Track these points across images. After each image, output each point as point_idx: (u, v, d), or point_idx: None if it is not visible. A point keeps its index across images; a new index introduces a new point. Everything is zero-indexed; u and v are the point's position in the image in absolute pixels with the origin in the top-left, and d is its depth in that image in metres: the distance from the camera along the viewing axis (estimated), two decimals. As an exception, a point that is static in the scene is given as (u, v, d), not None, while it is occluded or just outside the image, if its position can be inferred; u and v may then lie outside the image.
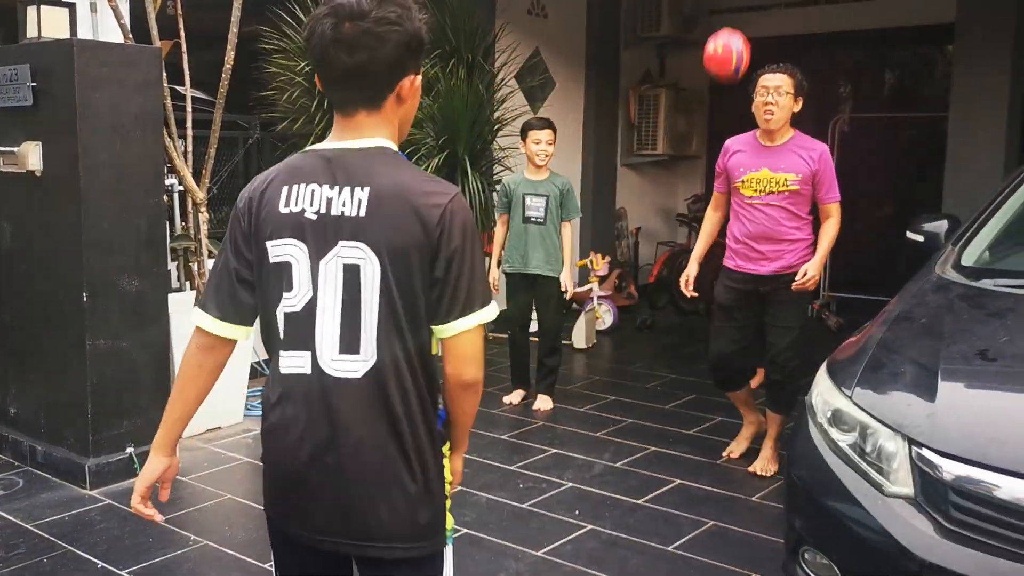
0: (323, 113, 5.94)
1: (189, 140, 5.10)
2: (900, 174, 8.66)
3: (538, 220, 5.31)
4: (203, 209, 5.09)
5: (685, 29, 8.86)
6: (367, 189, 1.72)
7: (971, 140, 6.52)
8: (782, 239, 4.28)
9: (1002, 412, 2.40)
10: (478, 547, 3.62)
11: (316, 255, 1.74)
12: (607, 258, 7.77)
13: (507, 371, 5.78)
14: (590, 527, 3.82)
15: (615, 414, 5.39)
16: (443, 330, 1.75)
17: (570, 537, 3.72)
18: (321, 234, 1.73)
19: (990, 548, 2.16)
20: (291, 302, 1.75)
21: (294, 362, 1.77)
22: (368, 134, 1.77)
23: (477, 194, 6.07)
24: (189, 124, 5.10)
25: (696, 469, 4.51)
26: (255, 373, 5.48)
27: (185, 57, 5.06)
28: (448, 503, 1.87)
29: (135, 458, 4.30)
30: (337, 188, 1.73)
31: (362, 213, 1.71)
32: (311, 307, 1.74)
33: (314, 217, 1.74)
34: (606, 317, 7.62)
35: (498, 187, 5.47)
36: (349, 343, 1.73)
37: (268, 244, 1.77)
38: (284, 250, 1.76)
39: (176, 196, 5.11)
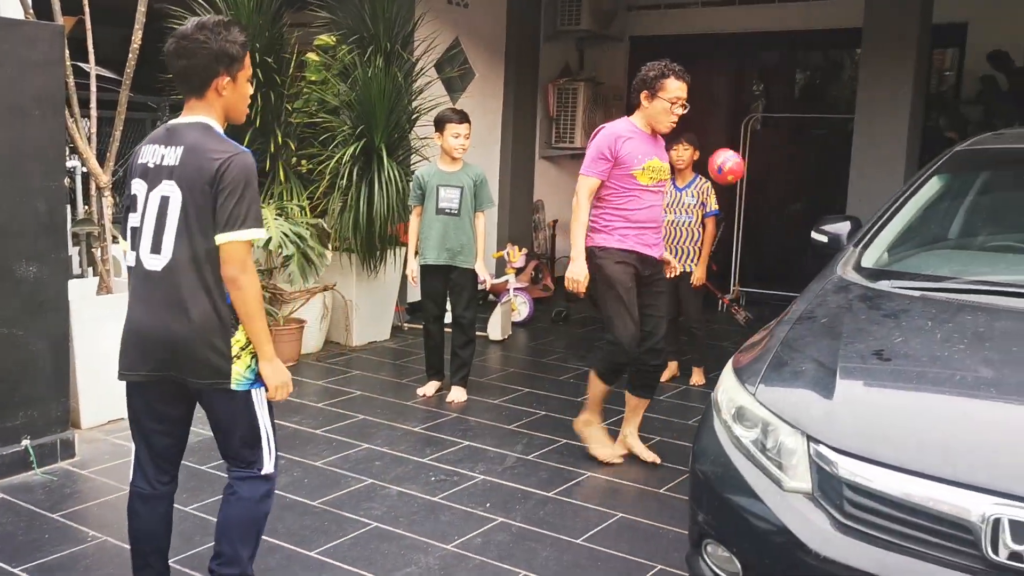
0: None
1: (93, 121, 4.93)
2: (808, 173, 8.91)
3: (452, 212, 5.31)
4: (107, 193, 4.92)
5: (604, 24, 8.93)
6: (181, 147, 2.64)
7: (875, 144, 6.74)
8: (660, 225, 4.60)
9: (894, 410, 2.49)
10: (388, 541, 3.61)
11: (149, 189, 2.67)
12: (524, 250, 7.80)
13: (422, 362, 5.76)
14: (500, 520, 3.84)
15: (528, 406, 5.42)
16: (218, 239, 2.59)
17: (480, 530, 3.73)
18: (154, 176, 2.66)
19: (882, 543, 2.24)
20: (134, 220, 2.72)
21: (131, 258, 2.74)
22: (195, 114, 2.71)
23: (393, 183, 6.01)
24: (93, 104, 4.93)
25: (608, 462, 4.57)
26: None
27: (90, 34, 4.89)
28: (245, 360, 2.67)
29: (31, 450, 4.15)
30: (168, 147, 2.66)
31: (176, 162, 2.63)
32: (141, 222, 2.68)
33: (152, 166, 2.68)
34: (522, 309, 7.65)
35: (412, 178, 5.43)
36: (155, 246, 2.66)
37: (131, 182, 2.75)
38: (134, 187, 2.72)
39: (79, 179, 4.94)
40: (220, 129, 2.71)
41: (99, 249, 5.01)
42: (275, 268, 6.20)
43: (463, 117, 5.34)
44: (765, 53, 9.56)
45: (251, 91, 2.83)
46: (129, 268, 2.75)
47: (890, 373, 2.62)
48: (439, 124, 5.34)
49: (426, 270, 5.41)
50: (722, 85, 9.71)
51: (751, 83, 9.42)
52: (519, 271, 7.71)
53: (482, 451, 4.65)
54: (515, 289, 7.54)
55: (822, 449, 2.40)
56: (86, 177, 4.98)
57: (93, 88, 4.90)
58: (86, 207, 5.00)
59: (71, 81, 4.65)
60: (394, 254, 6.59)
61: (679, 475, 4.37)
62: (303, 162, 6.35)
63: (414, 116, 6.39)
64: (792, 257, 8.67)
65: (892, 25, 6.61)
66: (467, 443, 4.76)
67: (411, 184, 5.43)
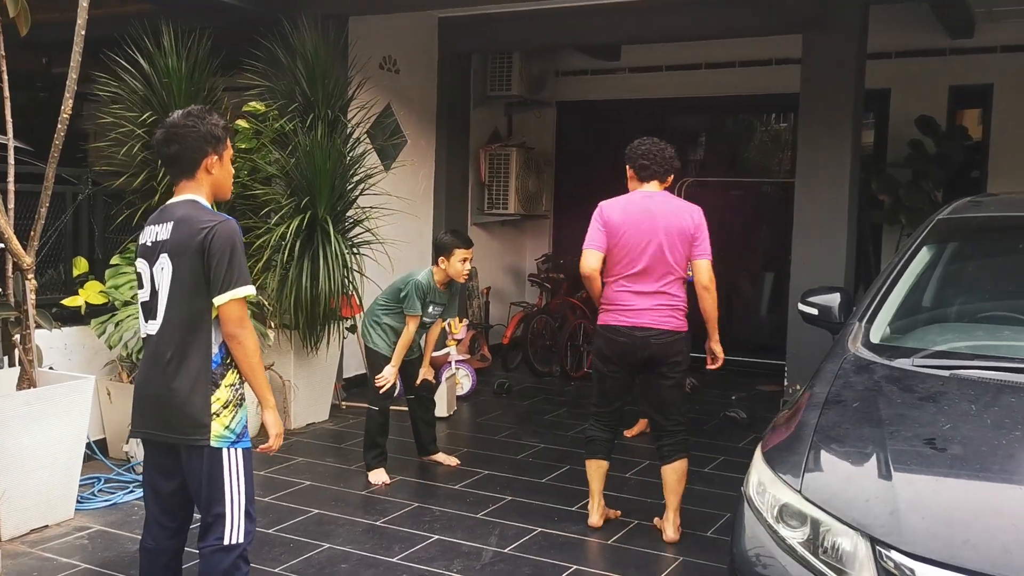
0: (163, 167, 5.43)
1: (11, 196, 4.49)
2: (742, 237, 8.95)
3: (427, 324, 5.42)
4: (30, 276, 4.46)
5: (534, 89, 8.86)
6: (171, 222, 2.90)
7: (816, 208, 6.76)
8: None
9: (968, 509, 2.32)
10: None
11: (150, 266, 2.95)
12: (464, 320, 7.54)
13: (360, 446, 5.38)
14: (491, 627, 3.52)
15: (492, 491, 5.11)
16: (216, 302, 2.85)
17: (472, 641, 3.40)
18: (152, 253, 2.94)
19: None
20: (142, 296, 3.01)
21: (143, 329, 3.02)
22: (185, 193, 2.97)
23: (339, 257, 5.68)
24: (11, 178, 4.50)
25: (590, 551, 4.31)
26: (88, 458, 4.86)
27: (8, 103, 4.48)
28: (224, 419, 2.90)
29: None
30: (161, 225, 2.93)
31: (168, 236, 2.89)
32: (150, 296, 2.96)
33: (149, 244, 2.96)
34: (465, 382, 7.37)
35: (408, 285, 5.19)
36: (153, 312, 2.94)
37: (136, 263, 3.04)
38: (139, 266, 3.02)
39: (-4, 260, 4.48)
40: (207, 203, 2.97)
41: (19, 335, 4.53)
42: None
43: (469, 242, 5.27)
44: (693, 118, 9.66)
45: (232, 171, 3.12)
46: (143, 338, 3.05)
47: (950, 465, 2.46)
48: (446, 248, 5.19)
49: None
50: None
51: (681, 148, 9.46)
52: (459, 342, 7.44)
53: (455, 546, 4.31)
54: (457, 361, 7.25)
55: (896, 556, 2.21)
56: (1, 255, 4.52)
57: (11, 160, 4.48)
58: (1, 289, 4.53)
59: (-10, 154, 4.23)
60: (337, 329, 6.24)
61: (672, 562, 4.13)
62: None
63: (359, 186, 6.10)
64: (730, 319, 8.68)
65: (828, 91, 6.69)
66: (437, 537, 4.42)
67: (410, 292, 5.17)
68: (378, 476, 5.24)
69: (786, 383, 7.02)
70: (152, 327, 2.94)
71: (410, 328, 5.23)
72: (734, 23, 7.09)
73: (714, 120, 9.56)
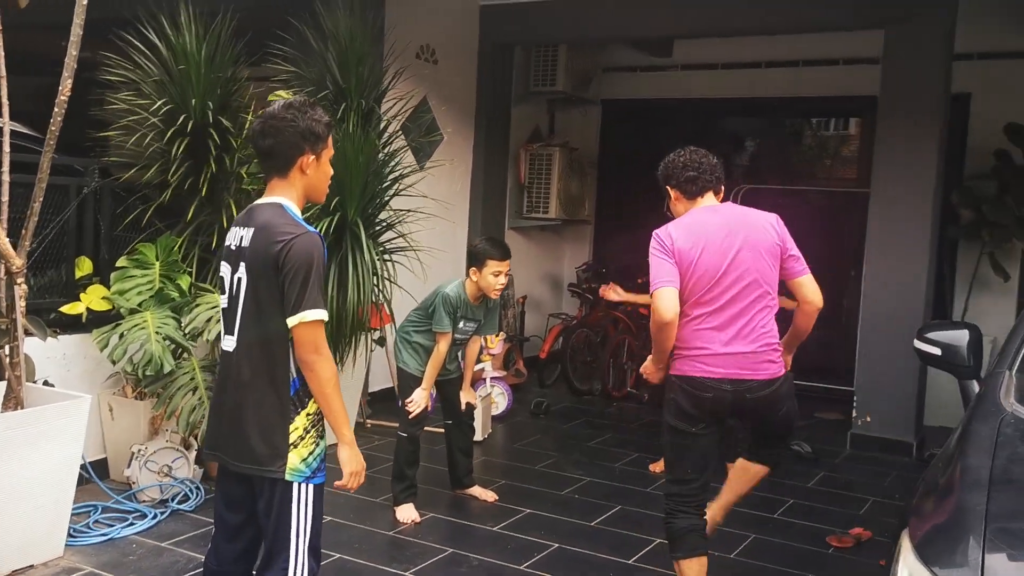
0: (180, 161, 4.87)
1: (5, 188, 3.95)
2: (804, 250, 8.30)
3: (460, 342, 4.84)
4: (20, 281, 3.92)
5: (580, 86, 8.27)
6: (253, 229, 2.68)
7: (894, 222, 6.14)
8: None
9: None
10: None
11: (232, 272, 2.73)
12: (501, 334, 6.94)
13: (390, 471, 4.79)
14: None
15: (535, 535, 4.52)
16: (289, 323, 2.60)
17: None
18: (235, 258, 2.73)
19: None
20: (223, 302, 2.78)
21: (223, 340, 2.78)
22: (274, 194, 2.73)
23: (368, 266, 5.09)
24: (6, 167, 3.95)
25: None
26: (84, 481, 4.32)
27: (4, 82, 3.94)
28: (302, 450, 2.66)
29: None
30: (245, 229, 2.71)
31: (247, 244, 2.68)
32: (229, 305, 2.74)
33: (233, 248, 2.74)
34: (500, 401, 6.78)
35: (435, 299, 4.67)
36: (229, 327, 2.73)
37: (220, 265, 2.81)
38: (222, 269, 2.79)
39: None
40: (295, 209, 2.72)
41: (8, 347, 3.99)
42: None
43: (506, 253, 4.64)
44: (751, 120, 9.02)
45: (331, 172, 2.83)
46: (222, 351, 2.81)
47: None
48: (478, 259, 4.61)
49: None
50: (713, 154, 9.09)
51: (736, 152, 8.84)
52: (493, 356, 6.85)
53: (497, 607, 3.73)
54: (492, 378, 6.67)
55: None
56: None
57: (6, 147, 3.93)
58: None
59: (-22, 140, 3.69)
60: (365, 342, 5.67)
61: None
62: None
63: (393, 185, 5.51)
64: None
65: (911, 93, 6.06)
66: (475, 594, 3.83)
67: (437, 307, 4.64)
68: (407, 513, 4.66)
69: (855, 413, 6.39)
70: (229, 343, 2.73)
71: (440, 347, 4.65)
72: (807, 17, 6.46)
73: (773, 123, 8.91)
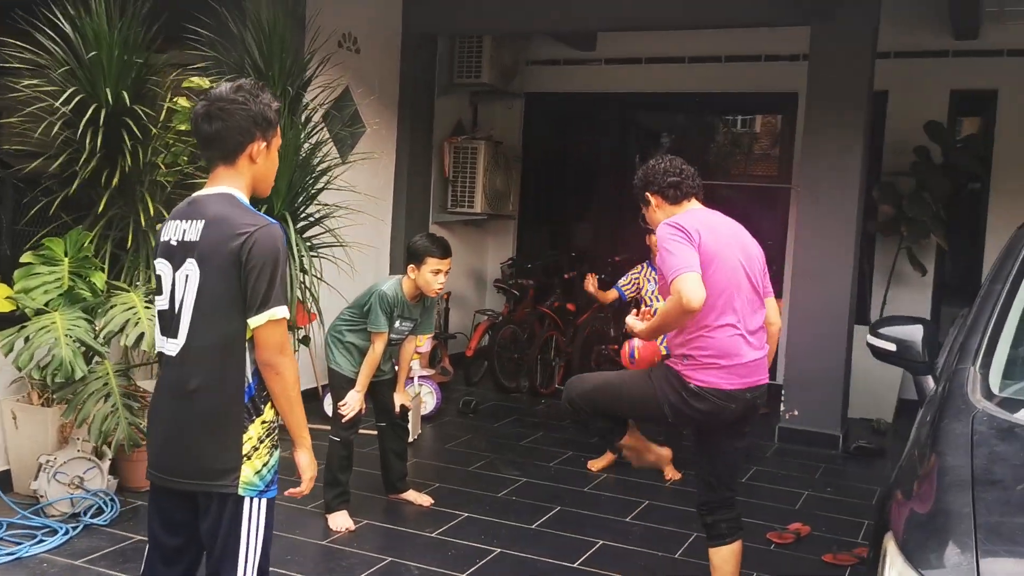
0: (90, 153, 4.54)
1: None
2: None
3: (395, 343, 4.64)
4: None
5: (505, 79, 8.13)
6: (202, 221, 2.45)
7: (821, 217, 6.19)
8: None
9: None
10: None
11: (174, 270, 2.49)
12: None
13: (321, 477, 4.60)
14: None
15: (476, 539, 4.37)
16: (252, 323, 2.40)
17: None
18: (179, 254, 2.48)
19: None
20: (160, 303, 2.54)
21: (160, 344, 2.55)
22: (221, 184, 2.51)
23: (298, 264, 4.85)
24: None
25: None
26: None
27: None
28: (255, 462, 2.46)
29: None
30: (189, 221, 2.48)
31: (197, 238, 2.45)
32: (170, 306, 2.49)
33: (175, 243, 2.50)
34: (428, 400, 6.60)
35: (371, 297, 4.48)
36: (173, 330, 2.49)
37: (155, 263, 2.57)
38: (159, 267, 2.55)
39: None
40: (246, 200, 2.52)
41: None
42: (135, 366, 4.89)
43: (447, 250, 4.49)
44: (672, 115, 9.04)
45: (278, 163, 2.65)
46: (159, 355, 2.57)
47: None
48: (417, 256, 4.44)
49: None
50: (626, 149, 9.10)
51: (657, 147, 8.84)
52: (420, 355, 6.67)
53: (443, 618, 3.57)
54: (420, 377, 6.49)
55: None
56: None
57: None
58: None
59: None
60: (293, 341, 5.41)
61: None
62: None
63: (321, 178, 5.27)
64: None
65: (838, 88, 6.12)
66: (419, 605, 3.67)
67: (374, 305, 4.45)
68: (340, 520, 4.46)
69: (782, 407, 6.43)
70: (172, 347, 2.48)
71: (376, 347, 4.47)
72: (732, 12, 6.46)
73: (696, 118, 8.94)
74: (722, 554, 3.57)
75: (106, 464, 4.57)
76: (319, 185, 5.28)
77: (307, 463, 2.57)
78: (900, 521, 2.21)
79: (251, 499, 2.48)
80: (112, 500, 4.47)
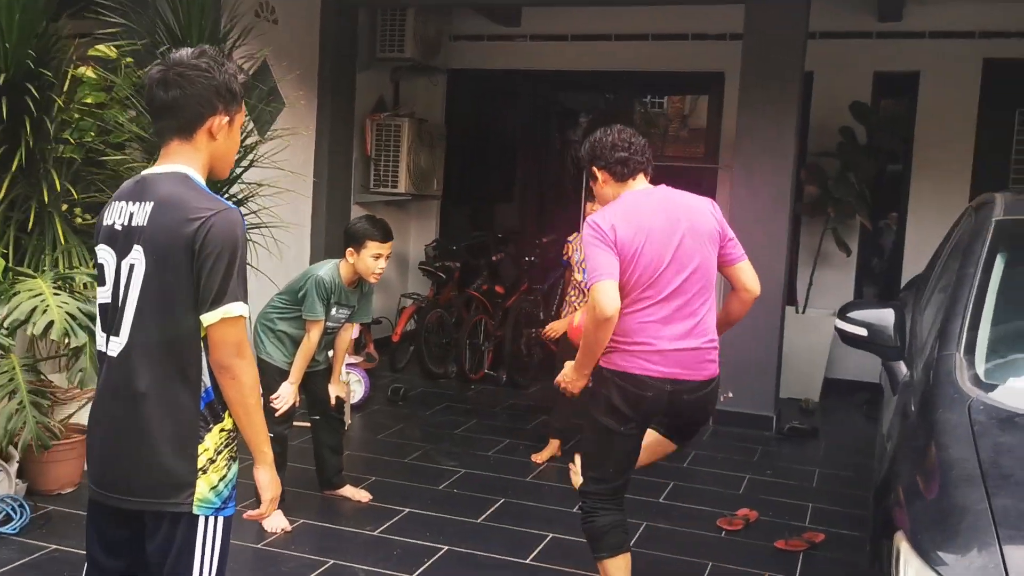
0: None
1: None
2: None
3: (331, 331, 4.36)
4: None
5: (429, 53, 7.85)
6: (151, 203, 2.17)
7: (756, 197, 6.15)
8: None
9: None
10: None
11: (119, 257, 2.21)
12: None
13: (247, 473, 4.30)
14: None
15: (421, 537, 4.16)
16: (205, 319, 2.13)
17: None
18: (123, 240, 2.20)
19: None
20: (102, 295, 2.26)
21: (100, 341, 2.26)
22: (174, 161, 2.23)
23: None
24: None
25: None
26: None
27: None
28: (211, 477, 2.19)
29: None
30: (137, 204, 2.20)
31: (144, 222, 2.16)
32: (114, 299, 2.21)
33: (119, 228, 2.22)
34: (357, 388, 6.33)
35: (307, 282, 4.20)
36: (115, 327, 2.20)
37: (96, 249, 2.29)
38: (100, 255, 2.27)
39: None
40: (202, 181, 2.24)
41: None
42: (44, 359, 4.50)
43: (388, 234, 4.23)
44: (598, 94, 8.91)
45: (239, 142, 2.42)
46: (99, 354, 2.29)
47: None
48: (357, 239, 4.17)
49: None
50: (551, 128, 8.94)
51: (575, 127, 8.72)
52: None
53: (396, 625, 3.36)
54: (347, 365, 6.21)
55: None
56: None
57: None
58: None
59: None
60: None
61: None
62: (85, 215, 4.70)
63: (246, 155, 4.94)
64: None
65: (772, 68, 6.08)
66: (369, 612, 3.45)
67: (310, 291, 4.18)
68: (275, 521, 4.19)
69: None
70: (114, 346, 2.20)
71: (311, 336, 4.21)
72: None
73: (623, 97, 8.82)
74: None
75: (13, 467, 4.20)
76: (244, 163, 4.94)
77: (268, 481, 2.29)
78: (910, 519, 2.10)
79: (206, 518, 2.20)
80: (22, 506, 4.09)
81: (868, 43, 7.40)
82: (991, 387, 2.48)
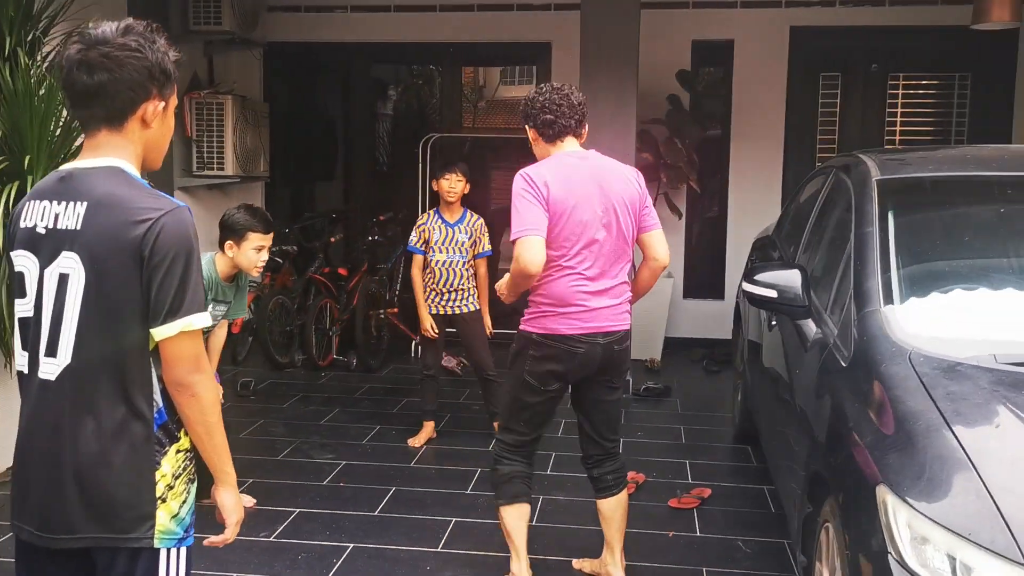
0: None
1: None
2: (481, 197, 8.29)
3: (208, 329, 4.03)
4: None
5: (248, 26, 7.39)
6: (85, 203, 1.91)
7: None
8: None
9: None
10: None
11: (43, 265, 1.94)
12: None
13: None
14: None
15: (320, 538, 3.96)
16: (157, 333, 1.91)
17: None
18: (48, 246, 1.94)
19: None
20: (22, 309, 1.98)
21: (21, 361, 1.98)
22: (104, 153, 1.96)
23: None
24: None
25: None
26: None
27: None
28: (171, 504, 1.97)
29: None
30: (64, 204, 1.93)
31: (77, 226, 1.90)
32: (36, 313, 1.95)
33: (43, 231, 1.95)
34: (206, 387, 5.92)
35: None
36: (51, 346, 1.92)
37: (11, 255, 2.01)
38: (20, 261, 1.99)
39: None
40: (138, 174, 1.99)
41: None
42: None
43: (269, 225, 3.99)
44: (424, 67, 8.75)
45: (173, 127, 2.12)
46: (20, 375, 2.01)
47: None
48: (236, 231, 3.91)
49: None
50: (377, 102, 8.70)
51: (421, 100, 8.55)
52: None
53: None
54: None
55: None
56: None
57: None
58: None
59: None
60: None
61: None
62: None
63: (77, 138, 4.44)
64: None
65: (610, 38, 6.19)
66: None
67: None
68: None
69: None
70: (49, 368, 1.92)
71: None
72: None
73: (447, 69, 8.71)
74: (610, 504, 3.54)
75: None
76: (74, 147, 4.46)
77: (232, 504, 2.09)
78: (890, 472, 2.20)
79: (167, 551, 1.99)
80: None
81: (687, 12, 7.70)
82: (922, 339, 2.64)
